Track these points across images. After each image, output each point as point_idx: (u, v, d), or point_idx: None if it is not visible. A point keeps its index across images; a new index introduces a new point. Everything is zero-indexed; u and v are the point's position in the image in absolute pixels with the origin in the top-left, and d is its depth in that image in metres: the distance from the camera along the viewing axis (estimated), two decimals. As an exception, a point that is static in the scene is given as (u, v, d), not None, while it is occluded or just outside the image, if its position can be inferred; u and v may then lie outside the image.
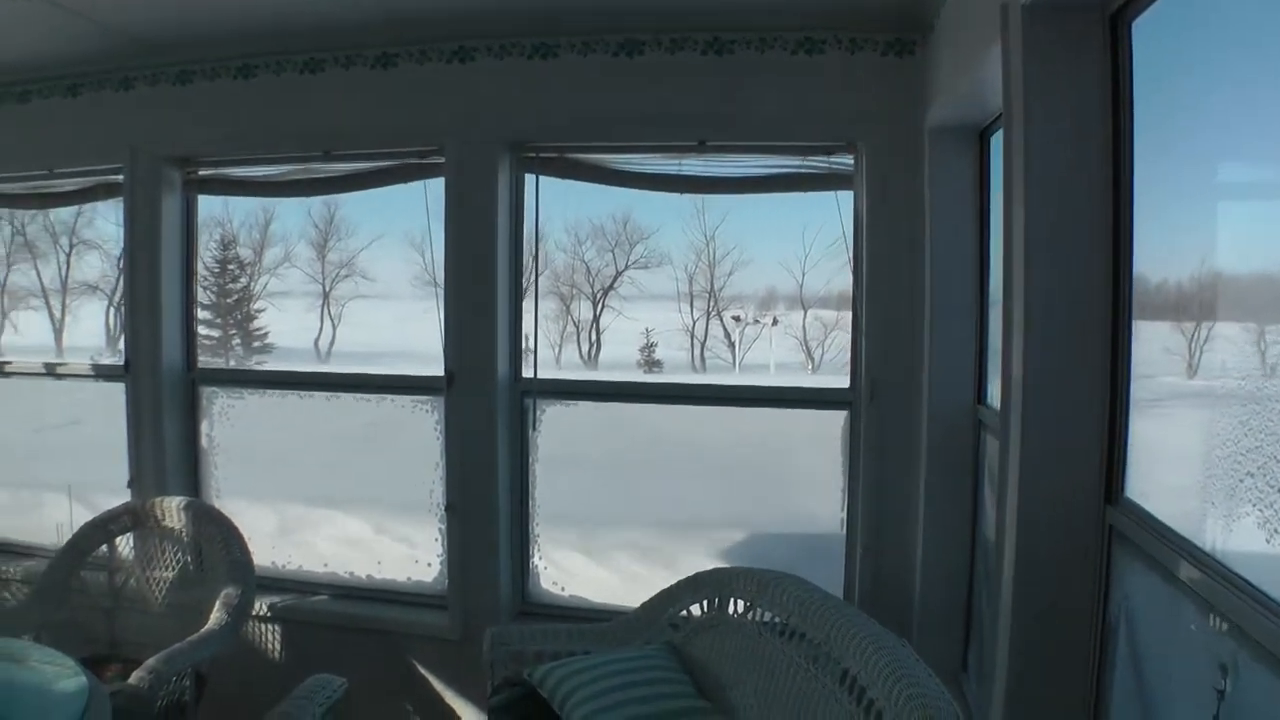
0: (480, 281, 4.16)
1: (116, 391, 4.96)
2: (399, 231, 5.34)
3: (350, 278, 5.71)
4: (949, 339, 3.76)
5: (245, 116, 4.46)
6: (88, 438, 5.66)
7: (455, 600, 4.28)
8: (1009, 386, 2.48)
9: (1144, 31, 2.24)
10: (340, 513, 4.94)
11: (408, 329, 5.88)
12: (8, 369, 5.39)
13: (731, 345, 5.35)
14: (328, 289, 5.73)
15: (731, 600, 3.47)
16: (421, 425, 4.51)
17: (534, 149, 4.16)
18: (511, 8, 3.87)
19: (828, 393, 4.20)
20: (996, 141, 3.50)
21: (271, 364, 5.23)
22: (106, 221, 5.79)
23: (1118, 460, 2.35)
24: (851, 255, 4.00)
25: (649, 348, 5.19)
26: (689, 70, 3.96)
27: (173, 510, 4.38)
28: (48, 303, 6.01)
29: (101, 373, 5.09)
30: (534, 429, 4.25)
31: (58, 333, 6.04)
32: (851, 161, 3.99)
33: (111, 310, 5.99)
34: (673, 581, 3.69)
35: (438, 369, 4.31)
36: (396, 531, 4.81)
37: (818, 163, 4.03)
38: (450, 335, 4.21)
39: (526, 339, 4.36)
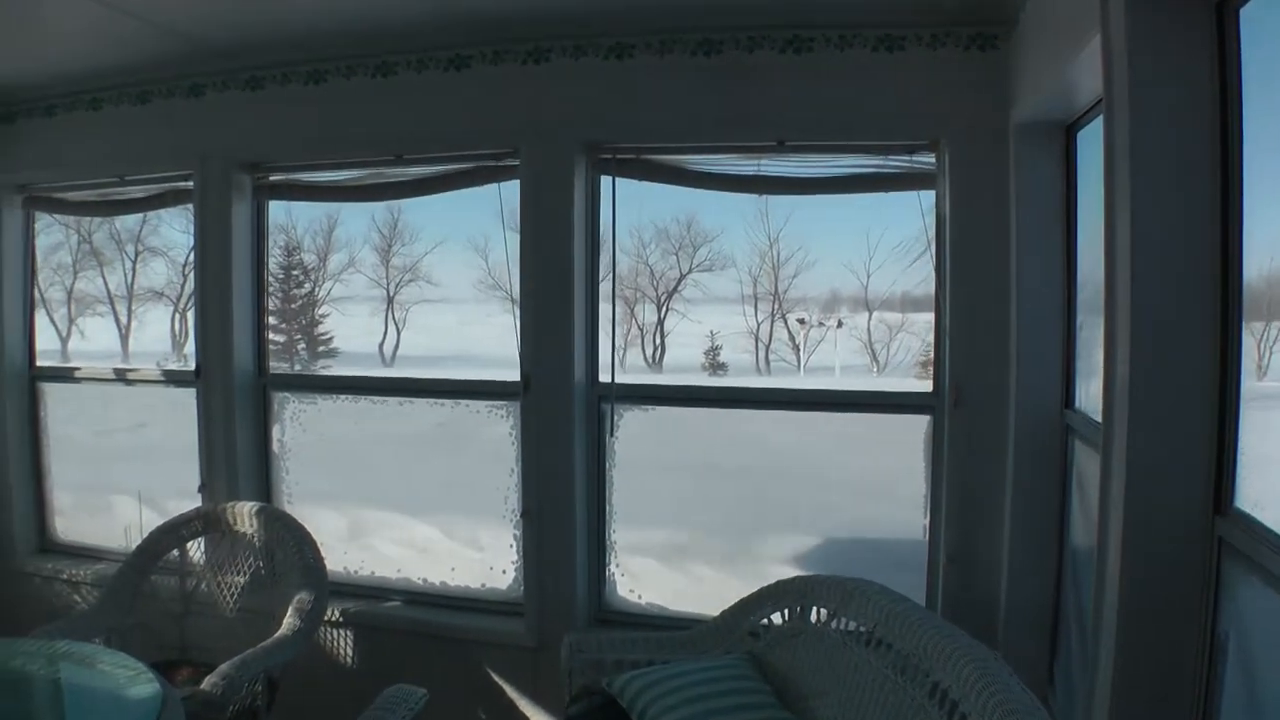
0: (557, 285, 4.18)
1: (181, 396, 5.08)
2: (462, 236, 5.34)
3: (414, 282, 5.67)
4: (1036, 342, 3.69)
5: (316, 121, 4.51)
6: (152, 441, 5.79)
7: (531, 607, 4.30)
8: (1112, 393, 2.42)
9: (1253, 19, 2.17)
10: (409, 517, 5.01)
11: (470, 333, 5.86)
12: (79, 374, 5.52)
13: (796, 348, 5.27)
14: (392, 294, 5.73)
15: (814, 609, 3.44)
16: (491, 430, 4.54)
17: (610, 150, 4.16)
18: (587, 8, 3.88)
19: (909, 397, 4.15)
20: (1085, 138, 3.43)
21: (337, 368, 5.27)
22: (172, 229, 5.91)
23: (1227, 468, 2.25)
24: (934, 256, 3.93)
25: (714, 350, 5.13)
26: (768, 69, 3.92)
27: (245, 515, 4.44)
28: (114, 309, 6.11)
29: (173, 378, 5.18)
30: (611, 434, 4.24)
31: (124, 338, 6.12)
32: (933, 160, 3.92)
33: (177, 316, 6.03)
34: (750, 589, 3.68)
35: (502, 372, 4.38)
36: (466, 537, 4.87)
37: (899, 162, 3.97)
38: (526, 339, 4.23)
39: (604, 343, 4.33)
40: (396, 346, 6.04)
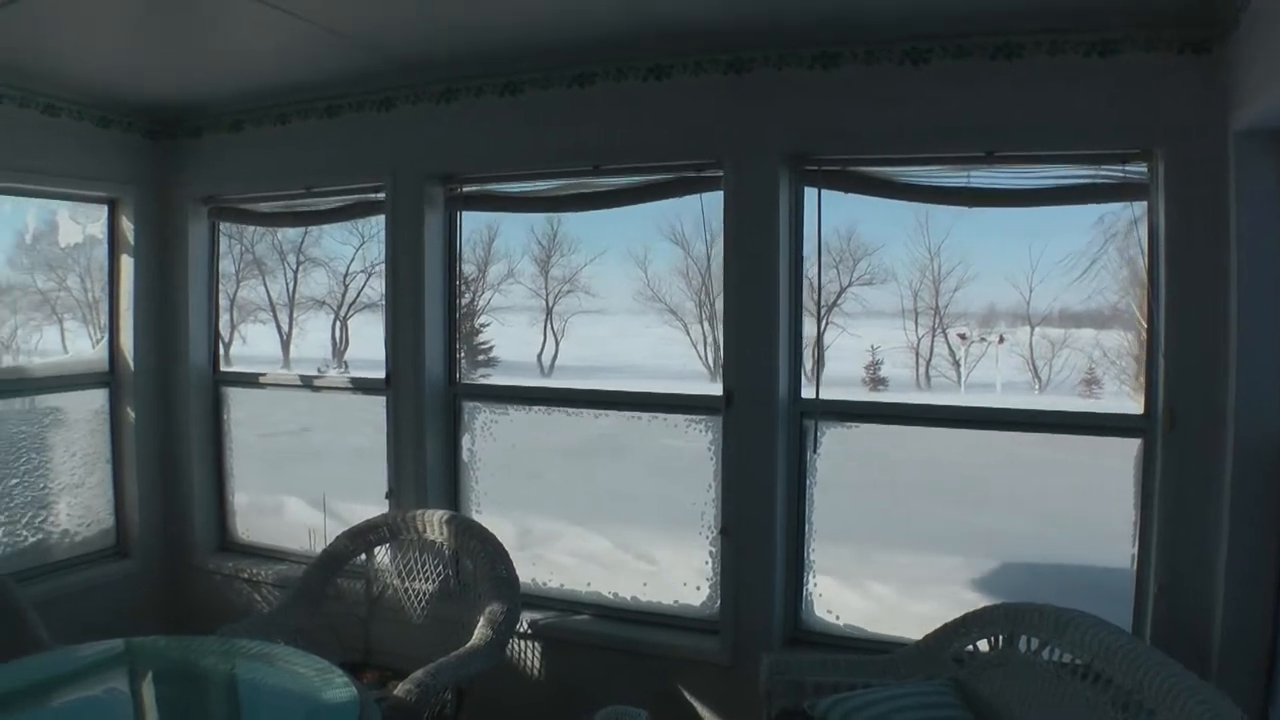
0: (761, 299, 4.16)
1: (344, 400, 5.37)
2: (621, 247, 5.22)
3: (572, 293, 5.61)
4: (1258, 362, 3.50)
5: (512, 132, 4.60)
6: (317, 445, 6.00)
7: (727, 625, 4.30)
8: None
9: None
10: (580, 528, 5.03)
11: (625, 344, 5.77)
12: (263, 380, 5.73)
13: (956, 363, 5.08)
14: (551, 304, 5.66)
15: (1023, 637, 3.36)
16: (655, 442, 4.67)
17: (815, 162, 4.13)
18: (791, 19, 3.84)
19: (1115, 419, 3.99)
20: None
21: (496, 378, 5.45)
22: (333, 240, 6.15)
23: None
24: (1146, 271, 3.79)
25: (875, 365, 4.97)
26: (976, 77, 3.83)
27: (435, 523, 4.54)
28: (275, 316, 6.14)
29: (360, 386, 5.31)
30: (814, 451, 4.21)
31: (285, 345, 6.17)
32: (1145, 170, 3.75)
33: (337, 324, 6.04)
34: (936, 612, 3.69)
35: (659, 384, 4.47)
36: (640, 550, 4.87)
37: (1111, 172, 3.82)
38: (729, 353, 4.24)
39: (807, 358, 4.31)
40: (555, 357, 5.98)
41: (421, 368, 4.86)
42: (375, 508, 5.04)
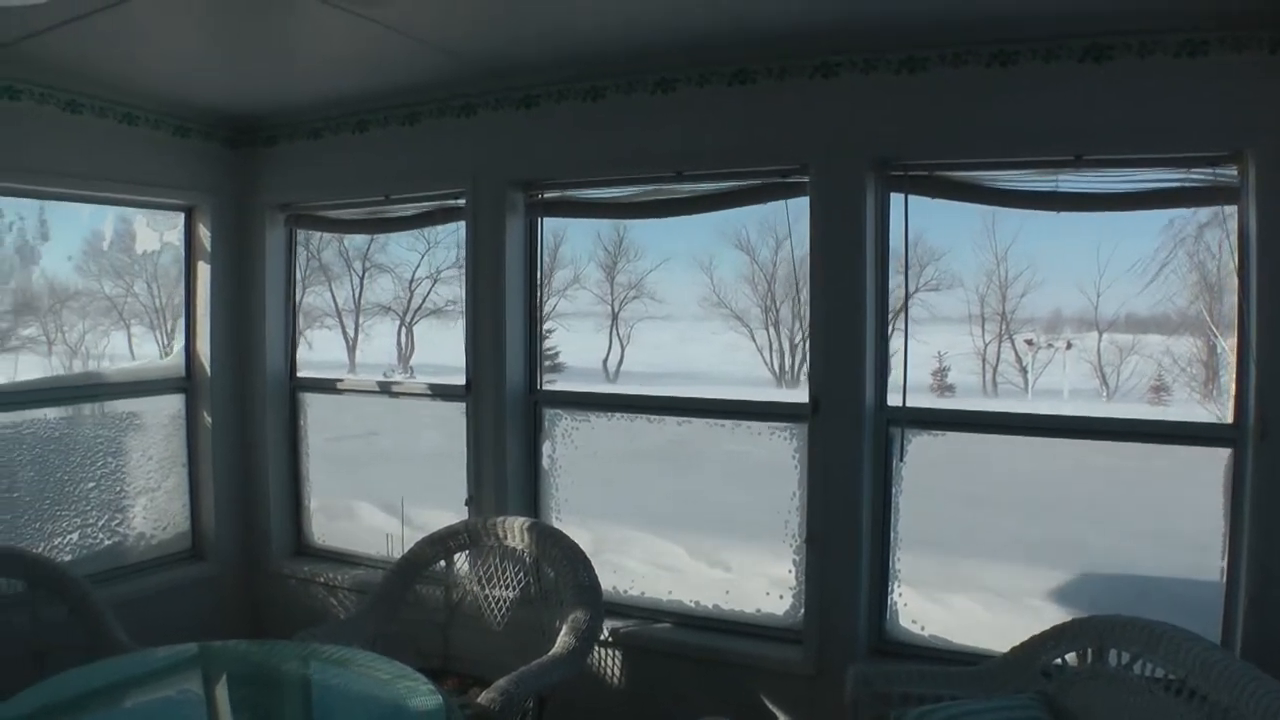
0: (847, 305, 4.17)
1: (410, 405, 5.47)
2: (686, 253, 5.21)
3: (638, 299, 5.60)
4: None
5: (594, 138, 4.65)
6: (384, 450, 6.10)
7: (812, 634, 4.31)
8: None
9: None
10: (654, 535, 5.01)
11: (690, 350, 5.75)
12: (340, 385, 5.83)
13: (1023, 370, 5.02)
14: (616, 310, 5.65)
15: (1113, 651, 3.31)
16: (724, 448, 4.66)
17: (901, 167, 4.14)
18: (877, 23, 3.86)
19: (1205, 428, 3.95)
20: None
21: (561, 383, 5.32)
22: (399, 246, 6.17)
23: None
24: (1237, 276, 3.72)
25: (942, 372, 4.91)
26: (1065, 79, 3.79)
27: (515, 530, 4.59)
28: (341, 322, 6.18)
29: (440, 392, 5.37)
30: (900, 459, 4.21)
31: (350, 350, 6.22)
32: (1236, 173, 3.70)
33: (403, 330, 6.07)
34: (1019, 624, 3.69)
35: (726, 390, 4.53)
36: (713, 556, 4.86)
37: (1201, 175, 3.77)
38: (815, 360, 4.26)
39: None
40: (620, 363, 5.96)
41: (502, 374, 4.92)
42: (446, 513, 5.13)
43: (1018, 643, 3.58)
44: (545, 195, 4.90)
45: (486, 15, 3.92)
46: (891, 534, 4.25)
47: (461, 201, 5.01)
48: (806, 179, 4.21)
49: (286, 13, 3.80)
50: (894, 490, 4.23)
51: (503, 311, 4.87)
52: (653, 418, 4.81)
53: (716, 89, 4.30)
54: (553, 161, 4.78)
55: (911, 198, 4.16)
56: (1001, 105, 3.88)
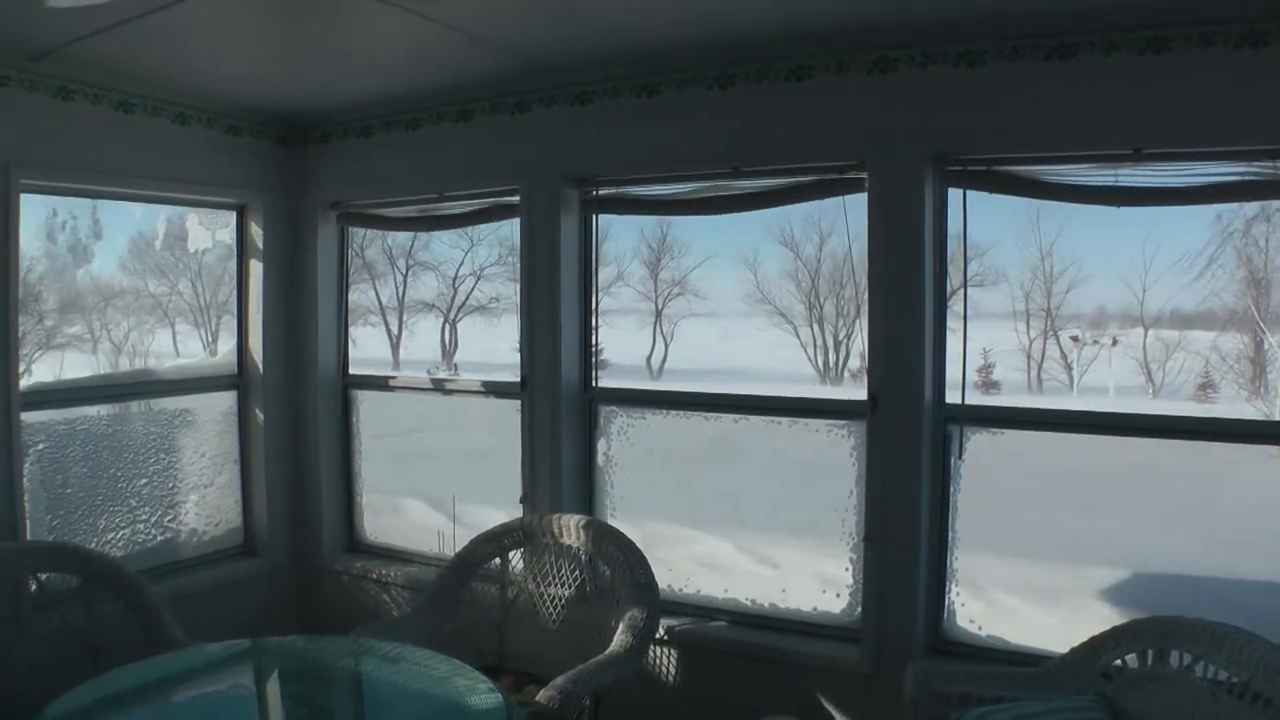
0: (908, 301, 4.17)
1: (455, 403, 5.53)
2: (730, 250, 5.22)
3: (682, 296, 5.61)
4: None
5: (649, 134, 4.68)
6: (428, 447, 6.17)
7: (869, 633, 4.33)
8: None
9: None
10: (700, 531, 5.03)
11: (734, 346, 5.76)
12: (393, 383, 5.90)
13: (1068, 366, 5.00)
14: (660, 307, 5.66)
15: (1175, 652, 3.31)
16: (770, 445, 4.69)
17: (960, 162, 4.14)
18: (935, 17, 3.85)
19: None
20: None
21: (606, 380, 5.24)
22: (442, 244, 6.39)
23: None
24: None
25: (987, 368, 4.90)
26: (1125, 72, 3.78)
27: (571, 528, 4.63)
28: (385, 319, 6.21)
29: (494, 389, 5.42)
30: (959, 457, 4.22)
31: (394, 347, 6.26)
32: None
33: (446, 327, 6.10)
34: (1070, 624, 3.72)
35: (771, 387, 4.31)
36: (762, 554, 4.88)
37: (1262, 168, 3.71)
38: (874, 357, 4.27)
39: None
40: (664, 360, 5.97)
41: (558, 372, 4.96)
42: (495, 510, 5.21)
43: (1077, 643, 3.58)
44: (600, 192, 4.94)
45: (544, 12, 3.96)
46: (950, 533, 4.25)
47: (515, 199, 5.06)
48: (864, 175, 4.22)
49: (342, 12, 3.89)
50: (952, 488, 4.23)
51: (558, 309, 4.91)
52: (709, 415, 4.84)
53: (774, 84, 4.32)
54: (608, 158, 4.82)
55: (956, 192, 4.16)
56: (1060, 98, 3.87)
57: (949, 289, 4.24)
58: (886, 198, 4.15)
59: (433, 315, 6.65)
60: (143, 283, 5.88)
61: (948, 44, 3.99)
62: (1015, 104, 3.95)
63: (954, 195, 4.14)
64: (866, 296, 4.22)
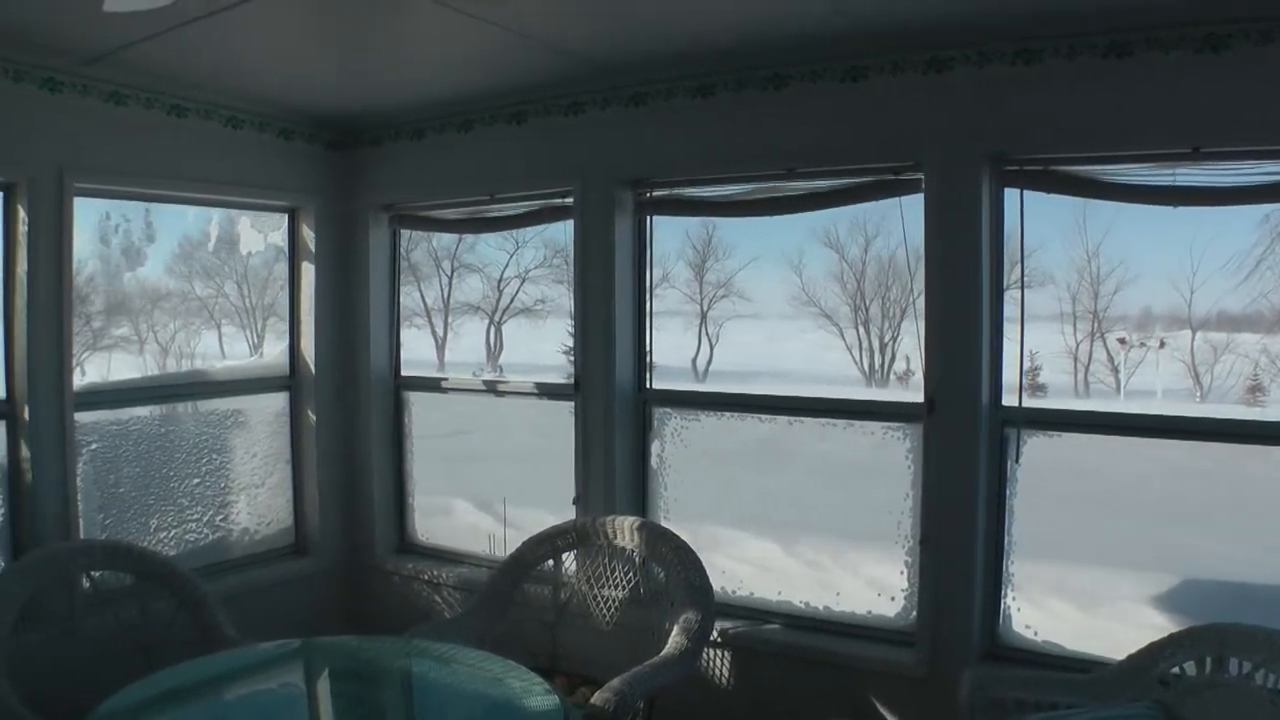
0: (965, 303, 4.16)
1: (503, 405, 5.61)
2: (775, 252, 5.21)
3: (727, 298, 5.61)
4: None
5: (703, 135, 4.72)
6: (475, 448, 6.20)
7: (925, 637, 4.33)
8: None
9: None
10: (748, 533, 5.00)
11: (778, 349, 5.75)
12: (445, 385, 5.97)
13: (1115, 369, 4.96)
14: (705, 309, 5.66)
15: (1234, 660, 3.33)
16: (816, 447, 4.72)
17: (1016, 162, 4.14)
18: (990, 15, 3.85)
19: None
20: None
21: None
22: (488, 246, 6.33)
23: None
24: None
25: (1034, 370, 4.88)
26: (1182, 70, 3.75)
27: (625, 530, 4.66)
28: (430, 321, 6.24)
29: (547, 391, 5.51)
30: (1015, 461, 4.20)
31: (439, 349, 6.31)
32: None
33: (491, 329, 6.13)
34: (1150, 634, 3.58)
35: (815, 389, 4.56)
36: (809, 556, 4.85)
37: (1325, 167, 3.72)
38: (931, 359, 4.27)
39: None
40: (709, 362, 5.98)
41: (611, 373, 5.01)
42: (544, 511, 5.27)
43: (1133, 650, 3.58)
44: (654, 193, 4.99)
45: (601, 14, 4.03)
46: (1005, 537, 4.24)
47: (568, 200, 5.13)
48: (919, 176, 4.24)
49: (399, 14, 3.96)
50: (1008, 492, 4.22)
51: (612, 310, 4.96)
52: (763, 417, 4.87)
53: (829, 85, 4.34)
54: (662, 159, 4.86)
55: (1012, 192, 4.16)
56: (1118, 97, 3.86)
57: (1020, 291, 4.24)
58: (943, 198, 4.16)
59: (477, 317, 6.68)
60: (189, 285, 5.99)
61: (1003, 42, 3.98)
62: (1072, 103, 3.93)
63: (1009, 195, 4.16)
64: (921, 298, 4.21)
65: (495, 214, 5.58)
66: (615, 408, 4.98)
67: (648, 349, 5.11)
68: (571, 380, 5.15)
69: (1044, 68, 3.94)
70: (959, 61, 4.08)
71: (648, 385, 5.10)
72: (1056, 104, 3.97)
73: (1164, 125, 3.81)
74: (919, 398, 4.34)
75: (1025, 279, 4.27)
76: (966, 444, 4.15)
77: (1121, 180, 4.02)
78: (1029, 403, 4.28)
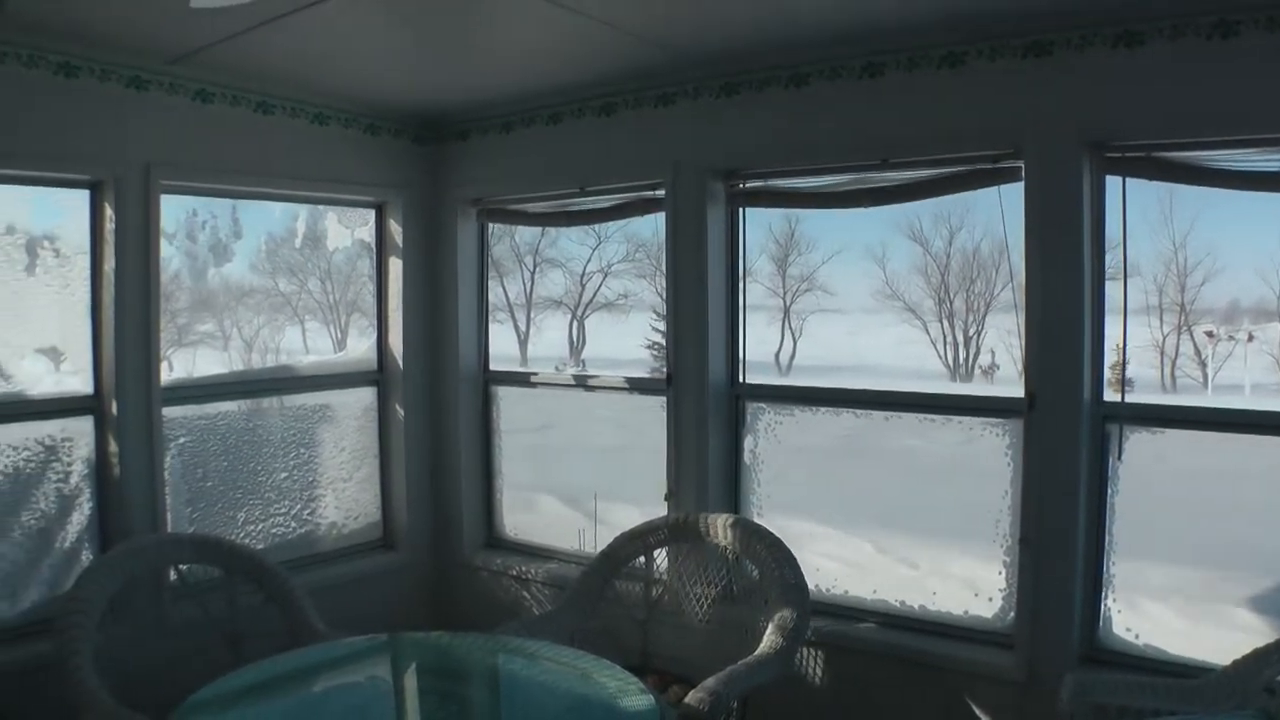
0: (1065, 294, 4.09)
1: (587, 400, 5.69)
2: (859, 245, 5.20)
3: (810, 291, 5.58)
4: None
5: (797, 126, 4.73)
6: (559, 443, 6.18)
7: (1023, 640, 4.30)
8: None
9: None
10: (839, 530, 4.97)
11: (861, 343, 5.71)
12: (534, 380, 6.04)
13: (1202, 363, 4.86)
14: (788, 303, 5.65)
15: None
16: (899, 443, 4.70)
17: (1118, 149, 4.06)
18: None
19: None
20: None
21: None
22: (569, 241, 6.49)
23: None
24: None
25: (1121, 365, 4.80)
26: None
27: (719, 526, 4.69)
28: (513, 316, 6.28)
29: (639, 386, 5.57)
30: (1118, 459, 4.15)
31: (522, 344, 6.36)
32: None
33: (574, 324, 6.14)
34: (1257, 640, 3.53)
35: (899, 383, 4.56)
36: (901, 554, 4.83)
37: None
38: (1031, 353, 4.22)
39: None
40: (793, 356, 5.96)
41: (704, 368, 5.05)
42: (630, 506, 5.38)
43: (1239, 655, 3.53)
44: (746, 185, 5.01)
45: (693, 3, 4.05)
46: (1106, 537, 4.19)
47: (660, 193, 5.18)
48: (1018, 164, 4.21)
49: (486, 7, 4.05)
50: (1109, 490, 4.16)
51: (704, 303, 5.00)
52: (858, 412, 4.82)
53: (925, 72, 4.33)
54: (754, 150, 4.88)
55: (1113, 180, 4.10)
56: (1224, 80, 3.78)
57: (1124, 281, 4.20)
58: (1044, 186, 4.10)
59: (560, 312, 6.73)
60: (273, 281, 6.15)
61: (1105, 24, 3.93)
62: (1176, 86, 3.85)
63: (1111, 183, 4.09)
64: (1007, 291, 4.18)
65: (584, 207, 5.65)
66: (709, 403, 5.01)
67: (741, 343, 5.13)
68: (663, 375, 5.20)
69: (1146, 50, 3.87)
70: (1059, 45, 4.04)
71: (741, 380, 5.13)
72: (1160, 87, 3.90)
73: (1274, 108, 3.72)
74: (1008, 392, 4.37)
75: (1119, 270, 4.20)
76: (1068, 441, 4.11)
77: (1227, 166, 3.92)
78: (1113, 398, 4.22)
